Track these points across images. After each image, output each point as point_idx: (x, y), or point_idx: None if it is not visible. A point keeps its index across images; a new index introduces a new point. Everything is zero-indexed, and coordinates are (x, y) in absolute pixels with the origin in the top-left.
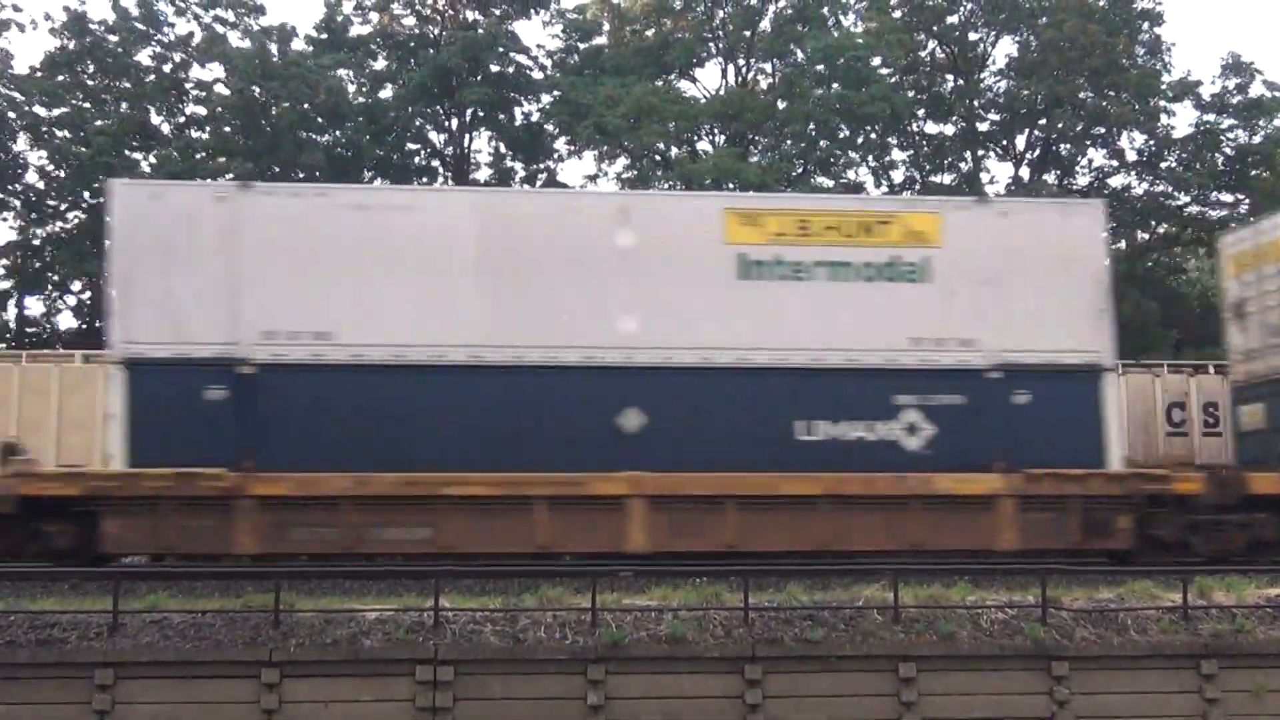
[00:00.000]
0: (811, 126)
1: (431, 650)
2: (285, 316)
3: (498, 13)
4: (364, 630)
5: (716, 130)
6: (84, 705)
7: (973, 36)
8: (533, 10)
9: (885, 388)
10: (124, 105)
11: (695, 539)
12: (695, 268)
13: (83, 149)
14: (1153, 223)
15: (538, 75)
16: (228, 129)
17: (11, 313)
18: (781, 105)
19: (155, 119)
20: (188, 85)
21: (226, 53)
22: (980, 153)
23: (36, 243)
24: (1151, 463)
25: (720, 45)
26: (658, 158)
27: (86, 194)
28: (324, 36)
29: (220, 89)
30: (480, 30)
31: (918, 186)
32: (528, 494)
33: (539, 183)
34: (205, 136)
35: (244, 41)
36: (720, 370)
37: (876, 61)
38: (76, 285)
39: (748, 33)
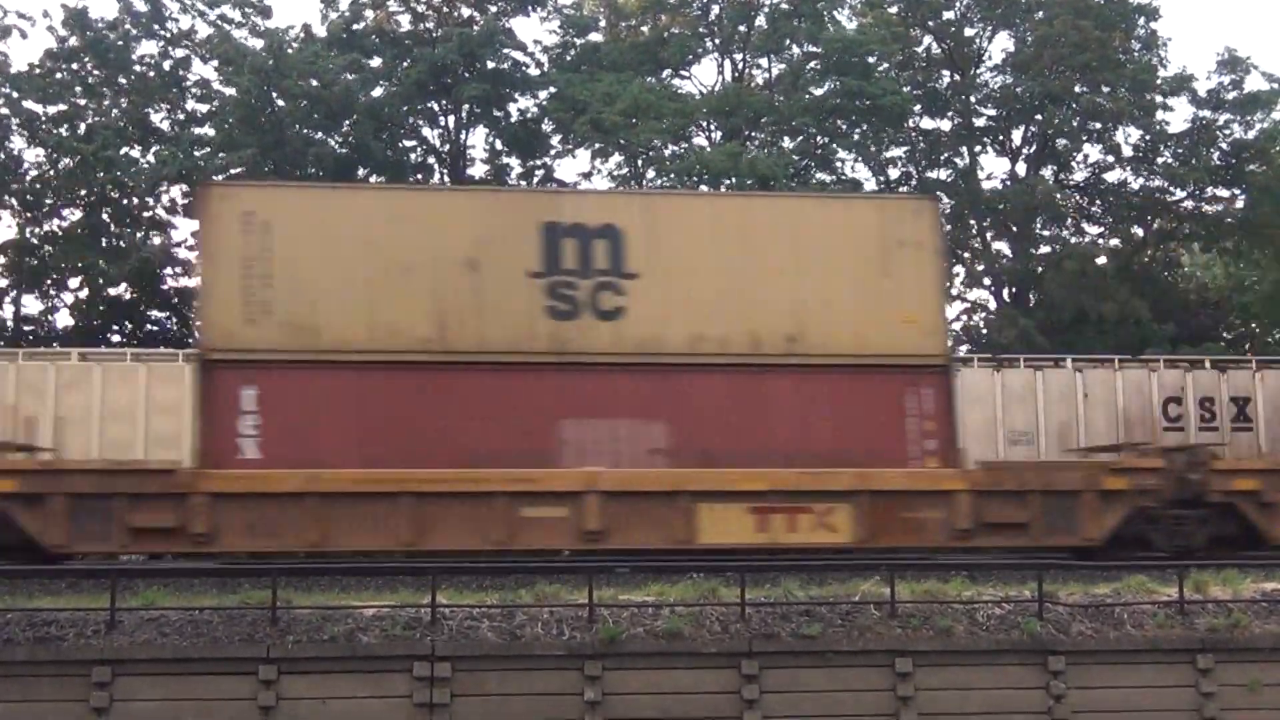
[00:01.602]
0: (809, 121)
1: (429, 647)
2: None
3: (494, 9)
4: (361, 627)
5: (712, 126)
6: (82, 703)
7: (969, 32)
8: (530, 7)
9: None
10: (124, 102)
11: None
12: None
13: (83, 145)
14: (1149, 218)
15: (534, 72)
16: (227, 125)
17: (9, 311)
18: (778, 100)
19: (155, 116)
20: (188, 82)
21: (240, 49)
22: (977, 148)
23: (34, 240)
24: None
25: (716, 41)
26: (652, 154)
27: (84, 191)
28: (342, 36)
29: (221, 86)
30: (477, 27)
31: (914, 182)
32: None
33: (535, 180)
34: (209, 133)
35: (252, 40)
36: None
37: (872, 59)
38: (74, 283)
39: (743, 28)
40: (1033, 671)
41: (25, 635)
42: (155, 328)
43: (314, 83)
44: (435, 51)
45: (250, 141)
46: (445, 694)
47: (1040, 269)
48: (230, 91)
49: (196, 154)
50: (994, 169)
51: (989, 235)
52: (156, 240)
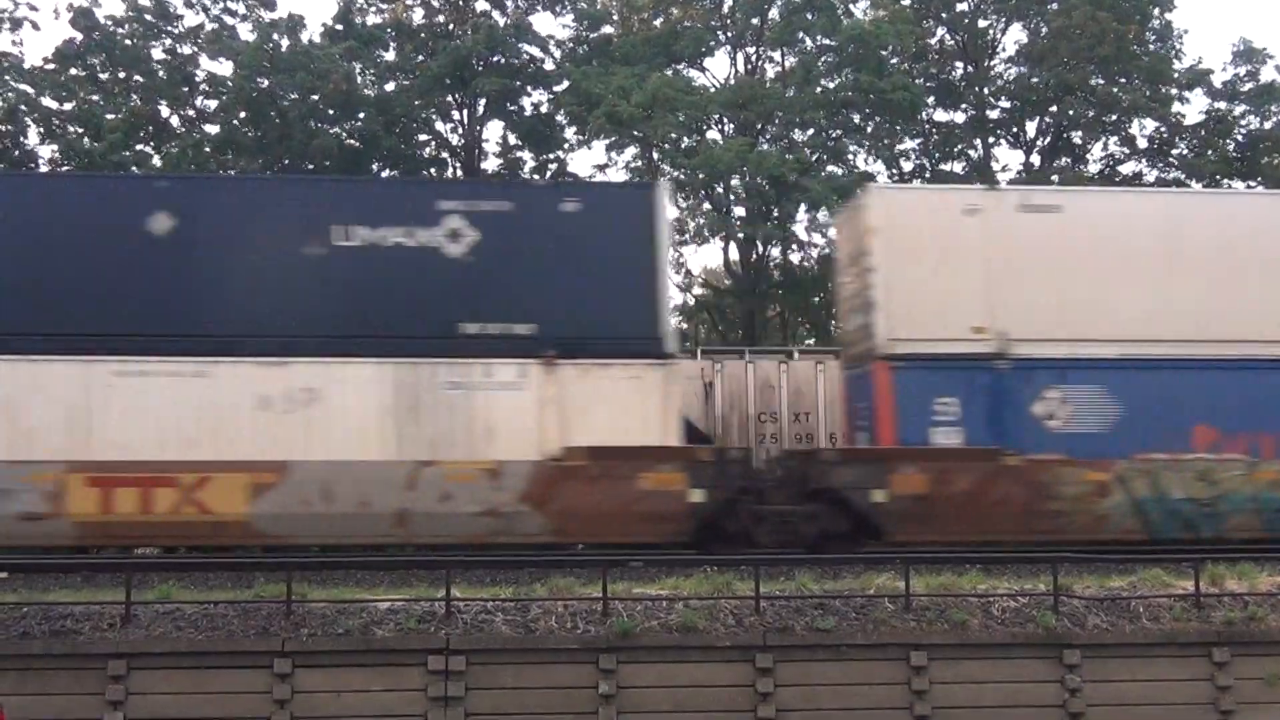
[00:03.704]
0: (822, 115)
1: (443, 640)
2: None
3: (510, 4)
4: (376, 620)
5: (726, 119)
6: (97, 696)
7: (982, 23)
8: (554, 6)
9: None
10: (135, 99)
11: None
12: None
13: (95, 143)
14: None
15: (549, 66)
16: (236, 122)
17: None
18: (790, 93)
19: (165, 112)
20: (198, 78)
21: (233, 46)
22: (991, 141)
23: None
24: None
25: (728, 34)
26: (667, 146)
27: None
28: (339, 28)
29: (231, 80)
30: (504, 20)
31: (928, 175)
32: None
33: (548, 173)
34: (216, 130)
35: (252, 34)
36: None
37: (885, 51)
38: None
39: (756, 21)
40: (1048, 665)
41: (41, 629)
42: None
43: (306, 75)
44: (458, 44)
45: (254, 137)
46: (460, 687)
47: None
48: (234, 84)
49: (206, 149)
50: (1008, 161)
51: None
52: None
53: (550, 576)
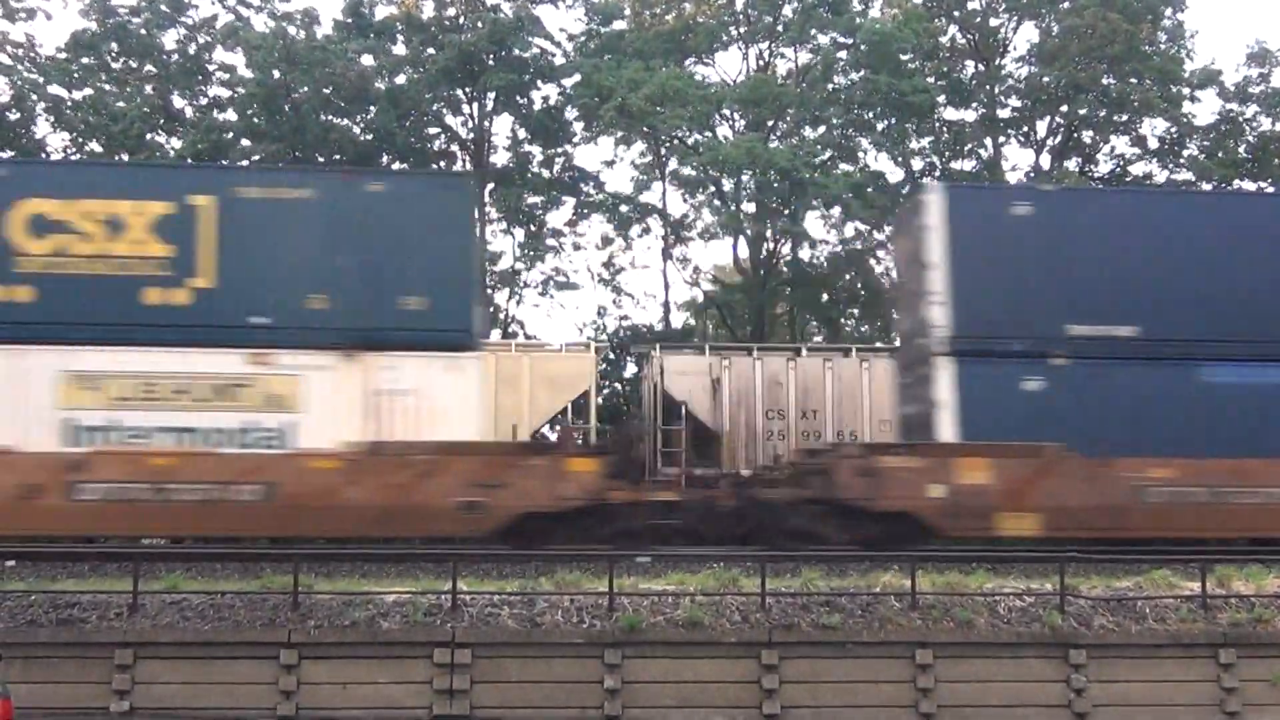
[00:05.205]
0: (833, 113)
1: (449, 633)
2: None
3: None
4: (382, 612)
5: (737, 116)
6: (104, 685)
7: (994, 22)
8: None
9: None
10: (147, 88)
11: None
12: None
13: (109, 125)
14: None
15: (559, 60)
16: (250, 113)
17: None
18: (801, 89)
19: (179, 102)
20: (211, 68)
21: (249, 39)
22: (1001, 140)
23: None
24: None
25: (741, 30)
26: (675, 142)
27: None
28: (349, 20)
29: (243, 72)
30: (509, 14)
31: (938, 173)
32: None
33: (556, 167)
34: (232, 119)
35: (267, 26)
36: None
37: (902, 52)
38: None
39: (769, 18)
40: (1053, 664)
41: (49, 617)
42: None
43: (326, 70)
44: (465, 38)
45: (271, 128)
46: (465, 680)
47: None
48: (249, 75)
49: (220, 139)
50: (1019, 160)
51: None
52: None
53: (556, 571)
